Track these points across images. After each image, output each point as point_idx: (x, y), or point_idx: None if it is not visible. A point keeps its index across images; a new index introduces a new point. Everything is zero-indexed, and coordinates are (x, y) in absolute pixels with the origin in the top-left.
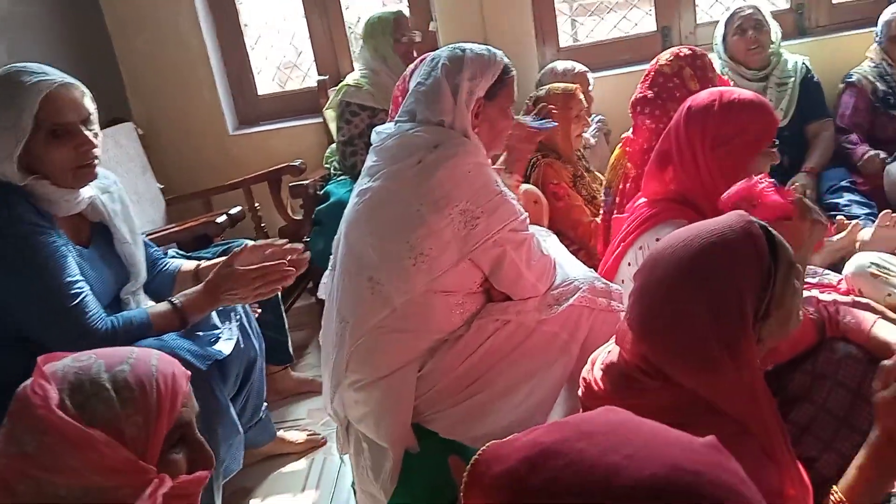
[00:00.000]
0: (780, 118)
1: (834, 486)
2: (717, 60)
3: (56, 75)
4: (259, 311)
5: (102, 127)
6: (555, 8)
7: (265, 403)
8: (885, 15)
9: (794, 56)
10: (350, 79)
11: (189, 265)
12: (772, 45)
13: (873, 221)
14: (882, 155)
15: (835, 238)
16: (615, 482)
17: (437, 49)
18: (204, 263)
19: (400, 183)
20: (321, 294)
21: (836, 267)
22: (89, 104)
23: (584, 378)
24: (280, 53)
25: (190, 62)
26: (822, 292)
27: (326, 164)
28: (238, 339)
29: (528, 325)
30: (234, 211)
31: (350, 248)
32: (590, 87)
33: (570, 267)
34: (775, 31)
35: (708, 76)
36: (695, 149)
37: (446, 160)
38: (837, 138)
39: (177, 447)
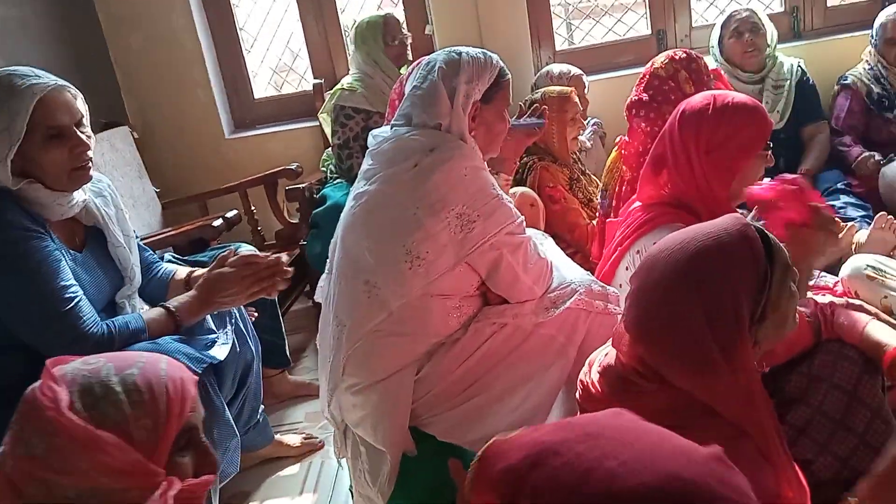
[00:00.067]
0: (775, 121)
1: (849, 497)
2: (713, 63)
3: (48, 78)
4: (256, 314)
5: (98, 131)
6: (550, 11)
7: (262, 407)
8: (881, 17)
9: (790, 59)
10: (344, 82)
11: (181, 273)
12: (768, 48)
13: (869, 223)
14: (877, 157)
15: None
16: (611, 486)
17: (433, 52)
18: (196, 272)
19: (396, 186)
20: (318, 297)
21: (833, 269)
22: (82, 106)
23: (581, 381)
24: (276, 57)
25: (186, 66)
26: (818, 294)
27: (323, 167)
28: (234, 342)
29: (525, 329)
30: (230, 214)
31: (346, 251)
32: (585, 91)
33: (566, 270)
34: (771, 33)
35: (703, 79)
36: (689, 152)
37: (442, 163)
38: (832, 140)
39: (184, 451)
